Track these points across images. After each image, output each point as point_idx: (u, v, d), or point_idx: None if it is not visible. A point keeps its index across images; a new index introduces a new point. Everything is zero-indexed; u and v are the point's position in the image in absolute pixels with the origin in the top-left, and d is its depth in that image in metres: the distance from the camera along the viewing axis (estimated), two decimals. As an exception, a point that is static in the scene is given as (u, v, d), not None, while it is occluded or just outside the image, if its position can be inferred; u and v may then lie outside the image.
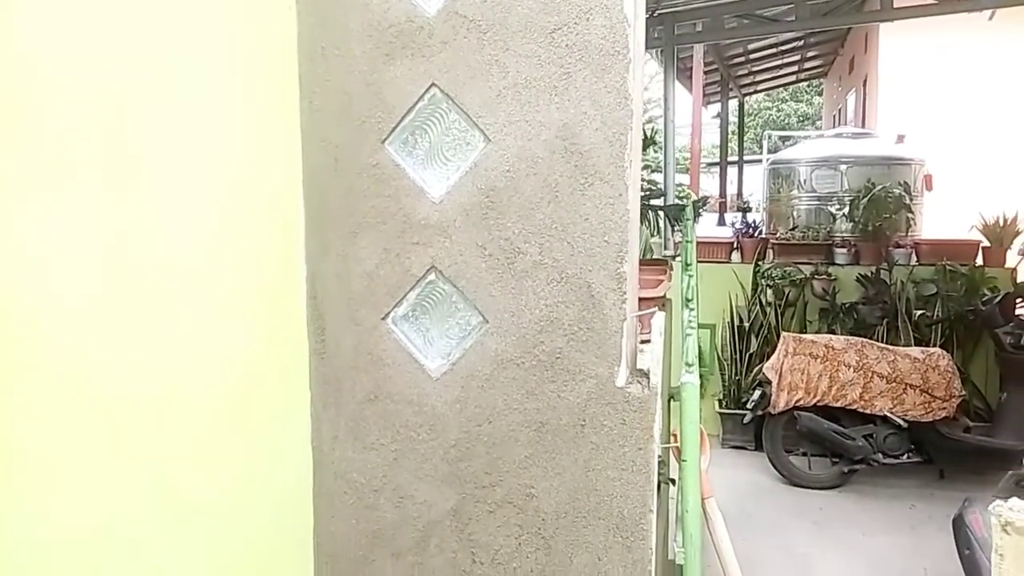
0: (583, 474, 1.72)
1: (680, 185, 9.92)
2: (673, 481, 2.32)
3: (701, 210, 4.25)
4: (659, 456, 1.92)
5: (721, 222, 12.35)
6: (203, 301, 1.49)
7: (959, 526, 2.53)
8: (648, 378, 1.71)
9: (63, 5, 1.21)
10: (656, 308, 1.95)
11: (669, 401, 2.59)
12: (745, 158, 18.12)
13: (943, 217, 6.57)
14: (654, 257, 3.75)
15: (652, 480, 1.69)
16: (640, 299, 2.05)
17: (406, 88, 1.70)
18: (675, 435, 1.97)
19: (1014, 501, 0.77)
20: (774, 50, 12.28)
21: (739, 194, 16.02)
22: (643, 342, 2.03)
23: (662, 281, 2.49)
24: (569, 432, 1.72)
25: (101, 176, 1.27)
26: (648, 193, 3.25)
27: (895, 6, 6.42)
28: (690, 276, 1.85)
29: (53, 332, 1.20)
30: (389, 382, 1.80)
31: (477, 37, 1.65)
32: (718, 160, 16.75)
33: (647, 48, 6.83)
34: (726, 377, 5.63)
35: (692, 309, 1.89)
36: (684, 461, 1.79)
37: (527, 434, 1.74)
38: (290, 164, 1.76)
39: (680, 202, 4.35)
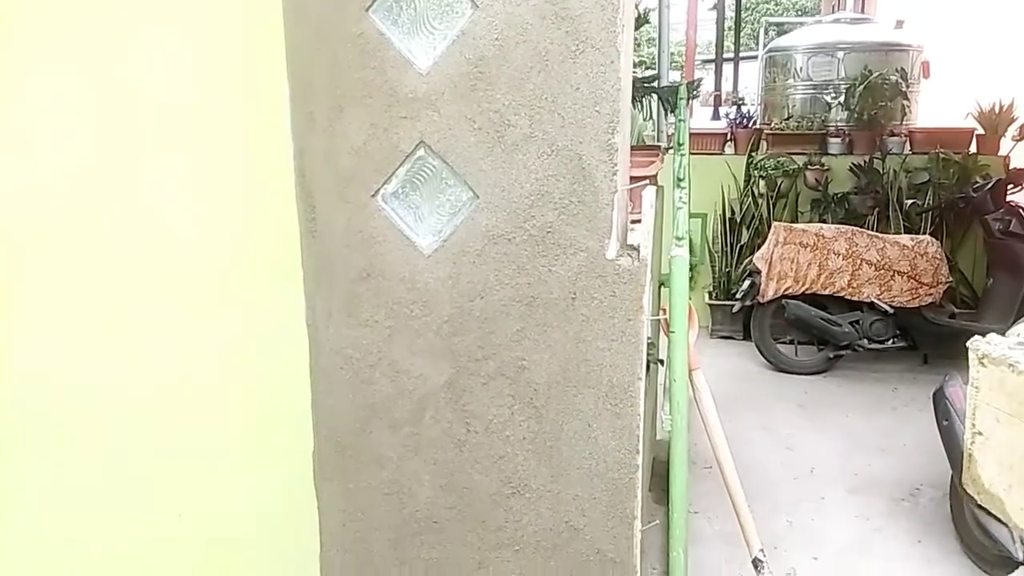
0: (573, 346, 1.75)
1: (674, 82, 9.69)
2: (662, 361, 2.37)
3: (695, 93, 4.17)
4: (648, 337, 1.95)
5: (716, 116, 12.14)
6: (190, 173, 1.47)
7: (939, 399, 2.61)
8: (638, 251, 1.72)
9: None
10: (648, 183, 1.94)
11: (659, 288, 2.61)
12: (741, 55, 17.61)
13: (939, 105, 6.48)
14: (647, 144, 3.70)
15: (641, 350, 1.72)
16: (631, 178, 2.04)
17: (388, -48, 1.63)
18: (664, 309, 2.00)
19: (992, 336, 0.79)
20: (773, -66, 11.77)
21: (734, 90, 15.68)
22: (634, 221, 2.03)
23: (654, 162, 2.47)
24: (560, 305, 1.74)
25: (86, 38, 1.23)
26: (642, 79, 3.18)
27: None
28: (682, 156, 1.84)
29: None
30: (381, 260, 1.80)
31: None
32: (713, 58, 16.29)
33: (641, -72, 6.52)
34: (716, 269, 5.67)
35: (683, 188, 1.88)
36: (673, 333, 1.82)
37: (518, 308, 1.76)
38: (272, 35, 1.71)
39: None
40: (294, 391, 1.87)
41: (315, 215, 1.81)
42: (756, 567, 1.97)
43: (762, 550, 1.99)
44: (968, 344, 0.71)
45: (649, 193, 1.87)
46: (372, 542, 1.95)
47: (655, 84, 3.26)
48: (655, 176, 2.40)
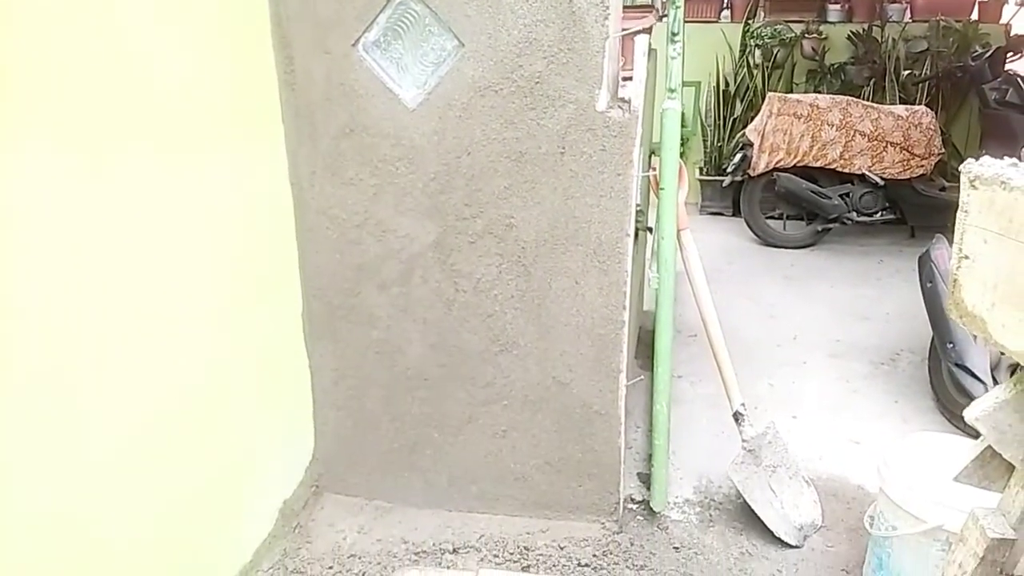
0: (562, 202, 1.73)
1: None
2: (650, 229, 2.35)
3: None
4: (637, 204, 1.92)
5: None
6: (160, 21, 1.39)
7: (924, 262, 2.63)
8: (629, 104, 1.67)
9: None
10: (641, 29, 1.86)
11: (650, 156, 2.56)
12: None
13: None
14: (639, 2, 3.54)
15: (630, 205, 1.70)
16: (624, 33, 1.96)
17: None
18: (654, 168, 1.97)
19: (985, 158, 0.77)
20: None
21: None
22: (625, 79, 1.96)
23: (647, 16, 2.37)
24: (548, 161, 1.71)
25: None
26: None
27: None
28: (677, 8, 1.75)
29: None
30: (364, 114, 1.75)
31: None
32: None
33: None
34: (708, 144, 5.57)
35: (678, 41, 1.81)
36: (662, 190, 1.80)
37: (506, 164, 1.73)
38: None
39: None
40: (280, 252, 1.85)
41: (293, 66, 1.74)
42: (737, 419, 2.03)
43: (743, 404, 2.05)
44: (960, 167, 0.70)
45: (642, 42, 1.80)
46: (364, 399, 1.99)
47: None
48: (649, 29, 2.31)
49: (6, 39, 1.05)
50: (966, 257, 0.76)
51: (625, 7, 2.35)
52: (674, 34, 1.84)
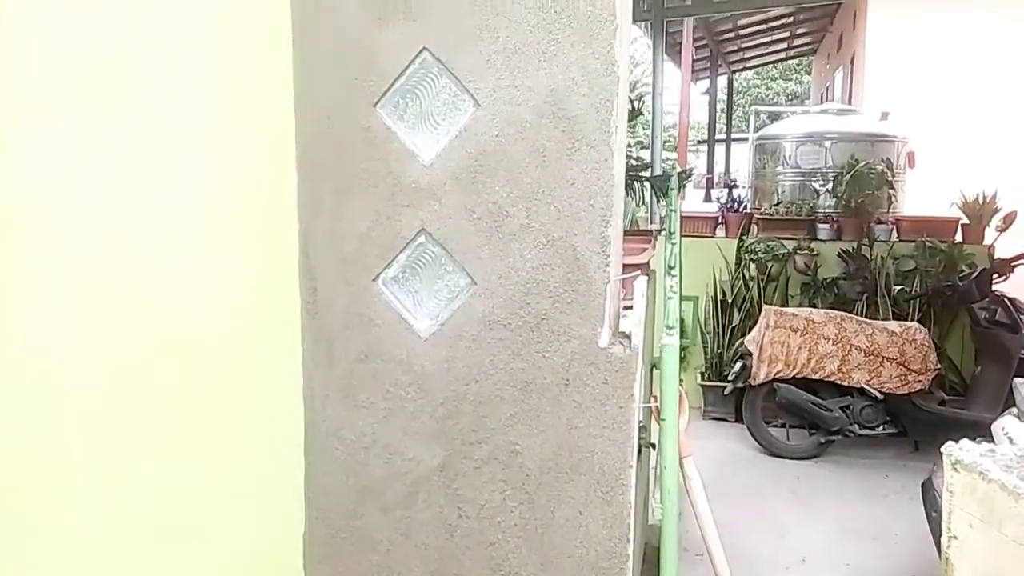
0: (566, 432, 1.78)
1: (667, 160, 9.96)
2: (653, 445, 2.39)
3: (686, 181, 4.29)
4: (640, 422, 1.98)
5: (708, 199, 12.42)
6: (198, 250, 1.52)
7: (927, 489, 2.62)
8: (630, 339, 1.77)
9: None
10: (640, 273, 2.00)
11: (651, 370, 2.65)
12: (733, 136, 18.16)
13: (925, 194, 6.66)
14: (640, 229, 3.80)
15: (632, 437, 1.75)
16: (624, 265, 2.10)
17: (398, 52, 1.73)
18: (655, 397, 2.03)
19: (964, 442, 0.82)
20: (764, 26, 12.29)
21: (726, 171, 16.08)
22: (626, 308, 2.08)
23: (646, 249, 2.54)
24: (553, 391, 1.77)
25: (98, 123, 1.30)
26: (635, 166, 3.29)
27: (884, -17, 6.44)
28: (673, 244, 1.90)
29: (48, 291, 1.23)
30: (379, 342, 1.84)
31: (468, 1, 1.67)
32: (706, 138, 16.76)
33: (635, 21, 6.83)
34: (708, 350, 5.71)
35: (675, 276, 1.94)
36: (663, 420, 1.85)
37: (512, 393, 1.79)
38: (283, 122, 1.79)
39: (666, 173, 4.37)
40: (287, 471, 1.88)
41: (316, 296, 1.86)
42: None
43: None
44: (941, 449, 0.74)
45: (641, 283, 1.93)
46: (359, 627, 1.92)
47: (648, 173, 3.36)
48: (647, 265, 2.47)
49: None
50: (954, 537, 0.79)
51: (626, 233, 2.53)
52: (671, 267, 1.98)
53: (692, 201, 11.82)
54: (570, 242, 1.71)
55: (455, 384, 1.82)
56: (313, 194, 1.82)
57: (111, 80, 1.32)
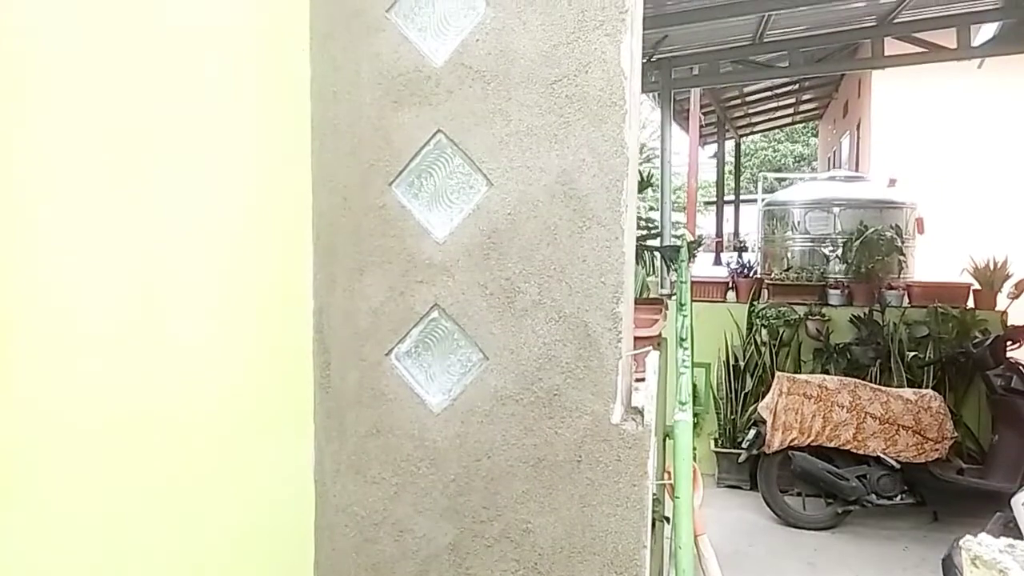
0: (579, 510, 1.76)
1: (676, 222, 10.05)
2: (667, 519, 2.36)
3: (696, 251, 4.32)
4: (653, 494, 1.96)
5: (717, 262, 12.46)
6: (212, 330, 1.54)
7: (948, 567, 2.56)
8: (642, 415, 1.77)
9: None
10: (651, 347, 2.00)
11: (664, 439, 2.63)
12: (742, 197, 18.33)
13: (935, 259, 6.67)
14: (650, 296, 3.81)
15: (646, 516, 1.73)
16: (636, 338, 2.11)
17: (413, 133, 1.78)
18: (669, 472, 2.02)
19: (983, 536, 0.82)
20: (769, 93, 12.51)
21: (735, 233, 16.18)
22: (638, 380, 2.08)
23: (657, 320, 2.55)
24: (565, 468, 1.77)
25: (121, 214, 1.34)
26: (645, 233, 3.33)
27: (886, 54, 6.58)
28: (684, 316, 1.91)
29: (69, 360, 1.25)
30: (391, 417, 1.84)
31: (481, 87, 1.73)
32: (715, 199, 16.92)
33: (644, 91, 6.98)
34: (721, 416, 5.67)
35: (686, 349, 1.95)
36: (677, 498, 1.83)
37: (524, 470, 1.79)
38: (300, 202, 1.83)
39: (676, 241, 4.42)
40: (297, 549, 1.86)
41: (330, 371, 1.87)
42: None
43: None
44: (960, 543, 0.74)
45: (653, 357, 1.93)
46: None
47: (657, 241, 3.40)
48: (658, 337, 2.48)
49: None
50: (976, 634, 0.78)
51: (636, 301, 2.55)
52: (682, 339, 1.98)
53: (702, 264, 11.86)
54: (582, 318, 1.73)
55: (466, 460, 1.81)
56: (328, 271, 1.85)
57: (133, 160, 1.36)
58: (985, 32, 6.79)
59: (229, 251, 1.60)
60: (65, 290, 1.25)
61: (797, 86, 12.67)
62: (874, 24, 6.31)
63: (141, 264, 1.38)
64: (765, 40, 6.36)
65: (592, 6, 1.66)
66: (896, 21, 6.20)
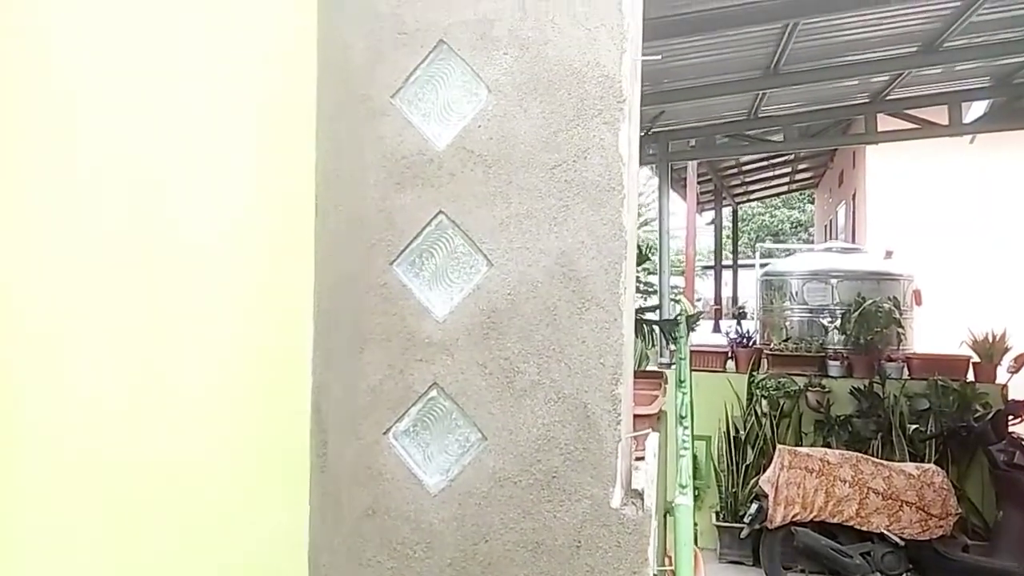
0: (578, 596, 1.72)
1: (675, 287, 10.08)
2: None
3: (695, 325, 4.34)
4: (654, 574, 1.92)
5: (716, 329, 12.46)
6: (210, 407, 1.54)
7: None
8: (642, 499, 1.74)
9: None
10: (650, 429, 1.99)
11: (665, 516, 2.59)
12: (740, 262, 18.46)
13: (933, 331, 6.68)
14: (649, 368, 3.81)
15: (647, 605, 1.69)
16: (635, 416, 2.10)
17: (415, 214, 1.81)
18: (670, 557, 1.98)
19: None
20: (766, 163, 12.73)
21: (734, 298, 16.23)
22: (638, 459, 2.06)
23: (656, 397, 2.54)
24: (564, 553, 1.74)
25: (124, 291, 1.35)
26: (643, 307, 3.34)
27: (879, 130, 6.72)
28: (684, 393, 1.91)
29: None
30: (388, 497, 1.82)
31: (483, 170, 1.77)
32: (713, 264, 17.03)
33: (642, 163, 7.10)
34: (723, 489, 5.59)
35: (686, 428, 1.94)
36: (678, 584, 1.80)
37: (523, 554, 1.75)
38: (302, 280, 1.84)
39: (675, 313, 4.43)
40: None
41: (326, 450, 1.86)
42: None
43: None
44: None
45: (653, 439, 1.92)
46: None
47: (656, 315, 3.41)
48: (657, 415, 2.46)
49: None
50: None
51: (636, 374, 2.54)
52: (682, 417, 1.97)
53: (702, 331, 11.86)
54: (581, 399, 1.73)
55: (464, 543, 1.78)
56: (328, 349, 1.86)
57: (140, 233, 1.38)
58: (976, 109, 6.95)
59: (229, 327, 1.60)
60: (66, 369, 1.26)
61: (793, 156, 12.89)
62: (867, 101, 6.47)
63: (140, 339, 1.38)
64: (760, 115, 6.51)
65: (591, 95, 1.71)
66: (888, 98, 6.35)
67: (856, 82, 5.88)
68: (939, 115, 6.49)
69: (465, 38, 1.78)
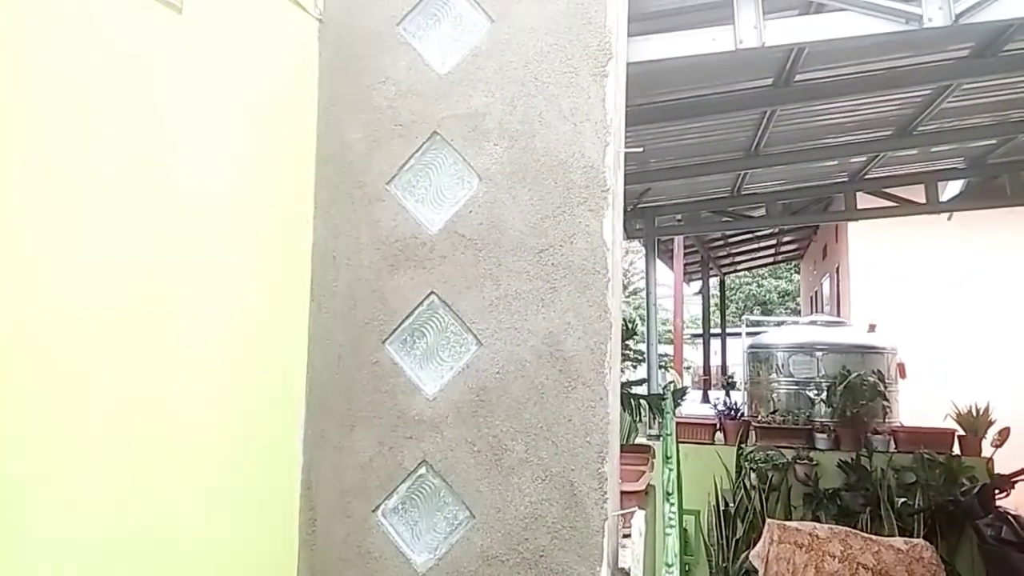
0: (566, 677, 1.72)
1: (664, 354, 10.10)
2: None
3: (681, 400, 4.38)
4: (642, 654, 1.92)
5: (705, 399, 12.46)
6: (200, 484, 1.56)
7: None
8: (628, 577, 1.76)
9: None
10: (637, 507, 2.02)
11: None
12: (728, 330, 18.52)
13: (917, 403, 6.72)
14: (637, 441, 3.82)
15: None
16: (622, 492, 2.13)
17: (407, 295, 1.88)
18: (656, 635, 1.98)
19: None
20: (751, 235, 12.93)
21: (723, 367, 16.24)
22: (625, 536, 2.08)
23: (644, 472, 2.57)
24: (552, 635, 1.74)
25: (128, 352, 1.40)
26: (629, 381, 3.39)
27: (859, 207, 6.90)
28: (670, 469, 1.94)
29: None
30: None
31: (473, 253, 1.84)
32: (701, 332, 17.09)
33: (629, 237, 7.23)
34: (713, 564, 5.51)
35: (672, 504, 1.97)
36: (665, 665, 1.80)
37: (510, 634, 1.76)
38: (295, 359, 1.89)
39: (664, 382, 4.47)
40: None
41: (315, 528, 1.87)
42: None
43: None
44: None
45: (639, 517, 1.95)
46: None
47: (644, 388, 3.45)
48: (645, 492, 2.49)
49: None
50: None
51: (623, 448, 2.56)
52: (668, 494, 2.00)
53: (690, 401, 11.85)
54: (568, 478, 1.76)
55: (451, 624, 1.79)
56: (319, 427, 1.89)
57: (143, 312, 1.42)
58: (952, 188, 7.16)
59: (220, 408, 1.64)
60: (59, 456, 1.29)
61: (777, 229, 13.12)
62: (846, 180, 6.66)
63: (136, 413, 1.42)
64: (743, 192, 6.68)
65: (577, 184, 1.80)
66: (867, 177, 6.54)
67: (835, 162, 6.07)
68: (917, 193, 6.68)
69: (458, 130, 1.88)
